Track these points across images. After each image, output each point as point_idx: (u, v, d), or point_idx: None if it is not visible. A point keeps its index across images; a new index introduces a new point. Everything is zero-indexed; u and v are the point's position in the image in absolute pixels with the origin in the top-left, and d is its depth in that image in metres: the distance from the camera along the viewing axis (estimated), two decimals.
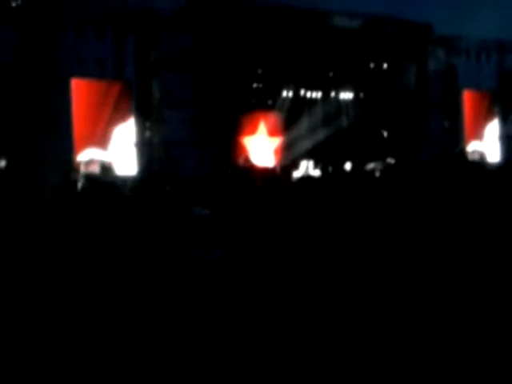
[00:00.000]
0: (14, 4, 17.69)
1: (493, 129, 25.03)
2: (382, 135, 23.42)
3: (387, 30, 22.52)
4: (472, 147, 24.26)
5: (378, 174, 19.77)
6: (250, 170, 18.87)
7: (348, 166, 20.81)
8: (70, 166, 17.08)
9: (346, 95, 22.96)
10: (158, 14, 19.19)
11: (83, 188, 14.01)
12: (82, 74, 18.18)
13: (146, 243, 6.77)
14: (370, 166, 20.85)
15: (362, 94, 23.02)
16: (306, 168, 20.80)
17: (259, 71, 21.32)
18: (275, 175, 19.25)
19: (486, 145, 24.72)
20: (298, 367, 4.10)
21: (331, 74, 22.68)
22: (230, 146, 20.55)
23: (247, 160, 20.47)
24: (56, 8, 17.49)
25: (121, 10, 18.77)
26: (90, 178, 16.16)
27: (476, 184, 10.55)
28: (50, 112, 16.78)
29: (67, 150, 17.50)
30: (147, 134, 19.12)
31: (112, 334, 4.79)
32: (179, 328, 4.78)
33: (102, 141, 18.60)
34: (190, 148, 18.64)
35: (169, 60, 19.13)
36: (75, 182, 14.65)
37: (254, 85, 21.45)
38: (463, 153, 23.12)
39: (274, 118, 21.63)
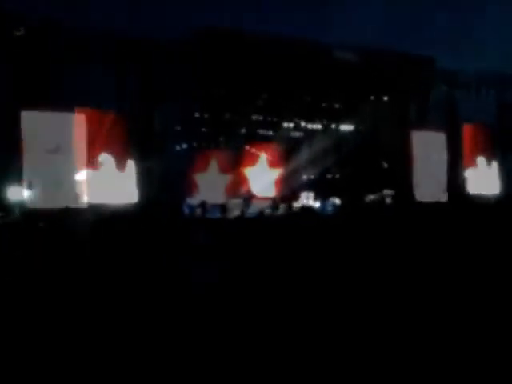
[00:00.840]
0: (17, 34, 17.96)
1: (492, 162, 25.07)
2: (382, 167, 23.57)
3: (389, 63, 22.71)
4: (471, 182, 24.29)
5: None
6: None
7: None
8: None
9: (347, 127, 23.24)
10: (161, 46, 19.53)
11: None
12: (84, 104, 18.31)
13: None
14: (370, 197, 20.99)
15: (362, 127, 23.26)
16: (307, 199, 20.90)
17: (260, 103, 21.62)
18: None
19: (486, 178, 24.71)
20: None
21: (332, 106, 22.99)
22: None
23: (248, 191, 20.57)
24: (59, 41, 18.04)
25: (123, 43, 19.07)
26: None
27: (472, 218, 10.71)
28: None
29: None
30: (148, 163, 19.20)
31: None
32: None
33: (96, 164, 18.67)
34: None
35: (170, 92, 19.44)
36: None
37: (255, 116, 21.74)
38: (462, 187, 23.24)
39: (274, 149, 21.81)
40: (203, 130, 21.12)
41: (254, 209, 19.44)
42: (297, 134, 22.43)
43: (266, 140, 21.93)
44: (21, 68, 17.52)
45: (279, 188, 21.67)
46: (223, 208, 19.22)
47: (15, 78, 17.45)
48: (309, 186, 22.04)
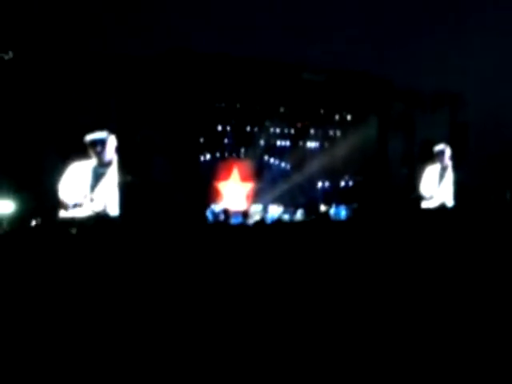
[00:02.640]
0: (6, 57, 18.77)
1: (447, 176, 26.67)
2: (347, 182, 25.03)
3: (351, 83, 24.05)
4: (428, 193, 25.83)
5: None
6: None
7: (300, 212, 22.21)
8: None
9: (313, 144, 24.61)
10: (137, 64, 20.35)
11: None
12: (67, 122, 19.14)
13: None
14: (323, 208, 22.45)
15: (327, 144, 24.66)
16: (277, 212, 22.24)
17: (233, 122, 22.80)
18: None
19: (441, 191, 26.29)
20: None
21: (299, 125, 24.27)
22: (206, 190, 21.95)
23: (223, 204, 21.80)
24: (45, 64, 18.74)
25: (104, 63, 19.82)
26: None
27: (428, 226, 11.44)
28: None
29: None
30: (129, 177, 20.13)
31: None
32: None
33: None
34: (168, 191, 19.57)
35: (148, 110, 20.19)
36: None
37: (229, 134, 22.95)
38: (418, 198, 24.70)
39: (246, 165, 23.27)
40: (225, 141, 22.80)
41: (272, 215, 21.24)
42: (267, 150, 23.79)
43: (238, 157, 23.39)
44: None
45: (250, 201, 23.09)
46: (244, 214, 20.57)
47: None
48: (322, 194, 23.97)
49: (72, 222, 17.39)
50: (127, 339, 4.77)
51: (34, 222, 17.57)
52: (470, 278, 6.09)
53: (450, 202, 26.05)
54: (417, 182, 25.75)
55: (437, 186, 26.32)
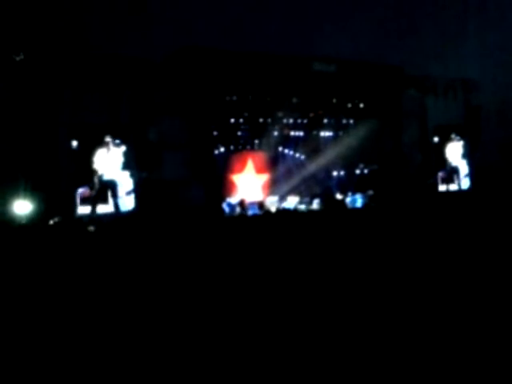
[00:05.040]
0: (17, 59, 18.84)
1: (462, 161, 26.62)
2: (362, 170, 25.02)
3: (362, 72, 23.91)
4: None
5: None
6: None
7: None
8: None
9: (327, 134, 24.63)
10: (151, 62, 20.45)
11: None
12: (81, 121, 19.32)
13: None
14: (339, 197, 22.47)
15: (340, 133, 24.66)
16: (293, 202, 22.19)
17: (246, 114, 22.82)
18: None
19: (458, 176, 26.21)
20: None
21: (312, 115, 24.29)
22: (222, 182, 22.05)
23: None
24: (56, 62, 18.84)
25: (115, 59, 19.94)
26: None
27: (445, 210, 11.47)
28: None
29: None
30: (145, 173, 20.24)
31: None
32: None
33: None
34: (185, 186, 19.70)
35: (162, 106, 20.35)
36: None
37: (242, 127, 23.03)
38: (434, 183, 24.66)
39: (260, 156, 23.38)
40: (239, 134, 22.97)
41: (288, 205, 21.27)
42: (281, 141, 23.78)
43: (252, 148, 23.45)
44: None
45: (266, 192, 23.14)
46: (261, 205, 20.58)
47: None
48: (338, 183, 24.09)
49: (90, 219, 17.49)
50: (142, 332, 4.84)
51: (51, 221, 17.68)
52: (486, 263, 6.10)
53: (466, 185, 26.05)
54: (432, 167, 25.62)
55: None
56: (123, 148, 20.05)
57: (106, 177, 19.62)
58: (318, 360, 4.18)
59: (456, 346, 4.17)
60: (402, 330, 4.61)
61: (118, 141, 19.95)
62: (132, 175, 20.12)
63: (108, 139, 19.85)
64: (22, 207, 17.90)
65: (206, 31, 23.71)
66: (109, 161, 19.87)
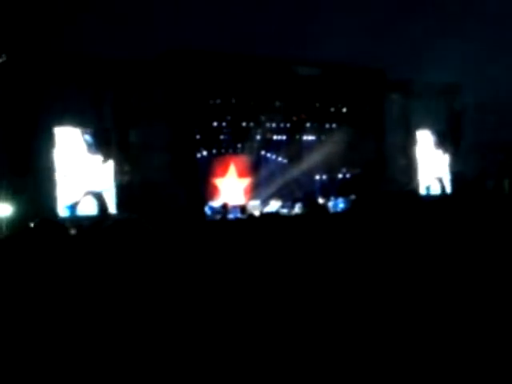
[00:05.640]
0: (0, 60, 18.72)
1: (443, 165, 26.78)
2: (345, 175, 25.10)
3: (345, 76, 24.13)
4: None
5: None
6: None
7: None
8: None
9: (309, 138, 24.68)
10: (135, 64, 20.39)
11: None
12: (64, 123, 19.38)
13: None
14: (321, 201, 22.53)
15: (323, 137, 24.64)
16: (275, 206, 22.17)
17: (229, 118, 22.79)
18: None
19: (438, 179, 26.42)
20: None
21: (295, 119, 24.32)
22: (204, 186, 22.03)
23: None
24: (40, 64, 18.76)
25: (99, 63, 19.84)
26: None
27: (427, 215, 11.47)
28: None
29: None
30: (126, 176, 20.28)
31: None
32: None
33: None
34: (167, 189, 19.62)
35: (144, 109, 20.30)
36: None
37: (225, 130, 22.99)
38: (415, 189, 24.82)
39: (243, 160, 23.33)
40: (221, 137, 22.89)
41: (271, 209, 21.24)
42: (263, 145, 23.81)
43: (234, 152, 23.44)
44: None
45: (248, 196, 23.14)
46: (243, 209, 20.67)
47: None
48: (320, 187, 24.27)
49: (71, 222, 17.39)
50: (129, 337, 4.49)
51: (32, 224, 17.55)
52: (471, 268, 6.06)
53: (447, 190, 26.24)
54: (415, 172, 25.83)
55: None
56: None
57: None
58: (311, 362, 4.14)
59: (448, 349, 4.09)
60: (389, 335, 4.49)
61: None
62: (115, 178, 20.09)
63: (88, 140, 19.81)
64: (3, 210, 17.80)
65: (191, 34, 23.70)
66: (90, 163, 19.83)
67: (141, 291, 6.03)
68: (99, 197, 19.70)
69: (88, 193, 19.54)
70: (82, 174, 19.72)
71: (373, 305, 5.02)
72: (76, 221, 17.66)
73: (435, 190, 26.08)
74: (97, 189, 19.87)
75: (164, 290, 5.96)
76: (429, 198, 24.62)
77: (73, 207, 19.26)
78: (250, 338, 4.58)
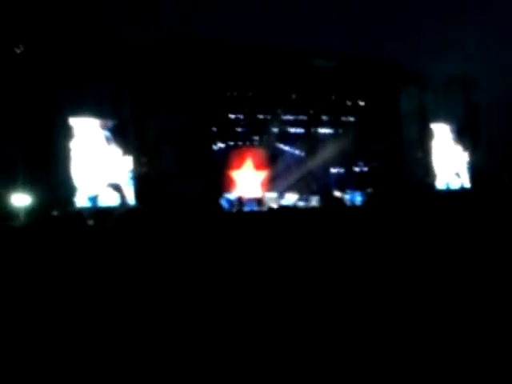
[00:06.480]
0: (18, 51, 18.83)
1: (461, 159, 26.62)
2: (362, 168, 25.02)
3: (362, 68, 24.05)
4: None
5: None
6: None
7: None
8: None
9: (326, 131, 24.62)
10: (151, 51, 20.27)
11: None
12: (81, 114, 19.46)
13: None
14: (337, 194, 22.46)
15: (340, 130, 24.63)
16: (291, 199, 22.24)
17: (246, 110, 22.84)
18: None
19: (456, 174, 26.26)
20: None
21: (312, 112, 24.25)
22: (220, 178, 22.04)
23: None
24: (57, 54, 18.82)
25: (117, 52, 19.88)
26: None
27: (444, 209, 11.39)
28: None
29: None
30: (144, 168, 20.28)
31: None
32: None
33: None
34: (183, 181, 19.64)
35: (161, 100, 20.31)
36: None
37: (241, 122, 23.03)
38: (432, 182, 24.69)
39: (259, 153, 23.35)
40: (238, 130, 22.91)
41: (287, 202, 21.31)
42: (280, 138, 23.76)
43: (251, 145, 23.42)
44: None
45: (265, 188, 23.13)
46: (259, 201, 20.79)
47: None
48: (337, 180, 24.17)
49: (89, 212, 17.46)
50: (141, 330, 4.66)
51: (50, 214, 17.62)
52: (491, 261, 5.98)
53: (466, 185, 26.08)
54: (431, 165, 25.70)
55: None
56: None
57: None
58: (315, 359, 4.13)
59: (451, 347, 4.11)
60: (402, 329, 4.53)
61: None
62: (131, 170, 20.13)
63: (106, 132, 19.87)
64: (21, 200, 17.89)
65: (205, 21, 23.55)
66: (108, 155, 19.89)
67: (152, 282, 6.16)
68: (119, 189, 19.76)
69: (108, 184, 19.62)
70: (100, 164, 19.77)
71: (390, 298, 5.13)
72: (96, 212, 17.77)
73: (454, 185, 25.84)
74: (115, 180, 19.88)
75: (175, 283, 6.11)
76: (448, 193, 24.55)
77: (94, 198, 19.27)
78: (262, 329, 4.54)
